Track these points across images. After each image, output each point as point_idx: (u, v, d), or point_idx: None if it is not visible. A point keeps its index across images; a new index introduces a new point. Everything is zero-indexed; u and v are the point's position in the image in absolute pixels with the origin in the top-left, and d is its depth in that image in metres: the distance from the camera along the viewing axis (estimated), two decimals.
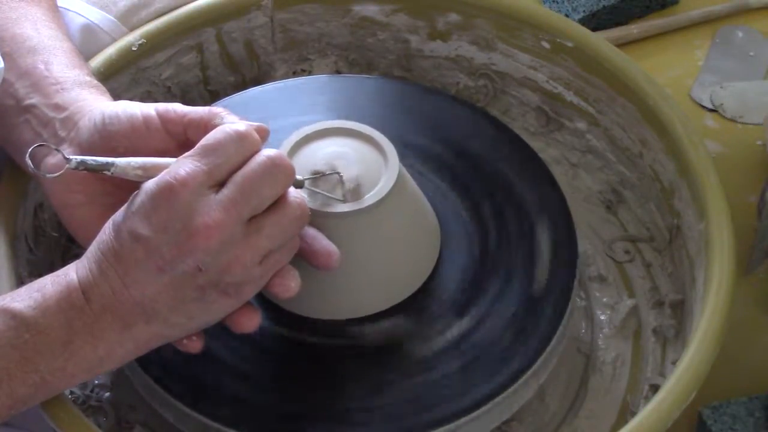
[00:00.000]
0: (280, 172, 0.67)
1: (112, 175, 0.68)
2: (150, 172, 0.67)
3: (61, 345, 0.65)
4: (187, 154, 0.66)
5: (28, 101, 0.76)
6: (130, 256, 0.65)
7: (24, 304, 0.66)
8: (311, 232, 0.72)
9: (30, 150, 0.68)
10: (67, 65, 0.78)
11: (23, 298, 0.66)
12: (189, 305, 0.66)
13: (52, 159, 0.72)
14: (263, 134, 0.69)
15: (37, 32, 0.80)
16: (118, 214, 0.67)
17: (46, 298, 0.66)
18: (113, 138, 0.72)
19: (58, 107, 0.75)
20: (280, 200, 0.67)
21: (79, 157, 0.68)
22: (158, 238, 0.65)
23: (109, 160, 0.68)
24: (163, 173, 0.66)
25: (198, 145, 0.67)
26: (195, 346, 0.70)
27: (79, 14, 0.92)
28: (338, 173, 0.74)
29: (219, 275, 0.66)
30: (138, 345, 0.67)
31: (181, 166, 0.65)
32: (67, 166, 0.67)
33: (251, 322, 0.70)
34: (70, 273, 0.67)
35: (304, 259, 0.71)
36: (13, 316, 0.65)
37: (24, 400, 0.66)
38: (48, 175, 0.68)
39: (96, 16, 0.92)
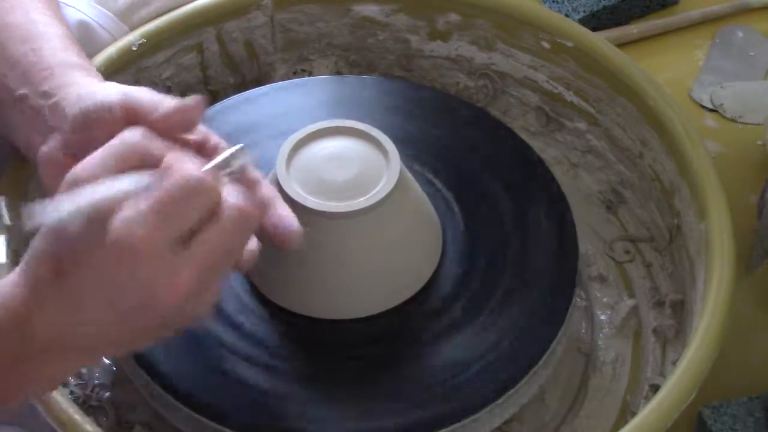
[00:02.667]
0: (251, 223, 0.64)
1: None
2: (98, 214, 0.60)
3: None
4: (145, 205, 0.59)
5: (19, 92, 0.75)
6: (85, 297, 0.61)
7: None
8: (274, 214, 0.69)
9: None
10: (58, 49, 0.77)
11: None
12: (136, 343, 0.64)
13: (46, 147, 0.72)
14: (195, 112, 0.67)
15: (29, 20, 0.78)
16: (62, 242, 0.61)
17: None
18: (92, 127, 0.70)
19: (46, 95, 0.74)
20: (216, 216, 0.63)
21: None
22: (119, 297, 0.61)
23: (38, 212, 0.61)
24: (117, 225, 0.59)
25: (157, 198, 0.60)
26: None
27: (77, 9, 0.91)
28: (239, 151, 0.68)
29: (176, 323, 0.63)
30: (76, 370, 0.67)
31: (140, 225, 0.59)
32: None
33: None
34: (8, 298, 0.62)
35: (267, 238, 0.70)
36: None
37: None
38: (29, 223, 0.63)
39: (93, 12, 0.91)
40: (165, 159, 0.62)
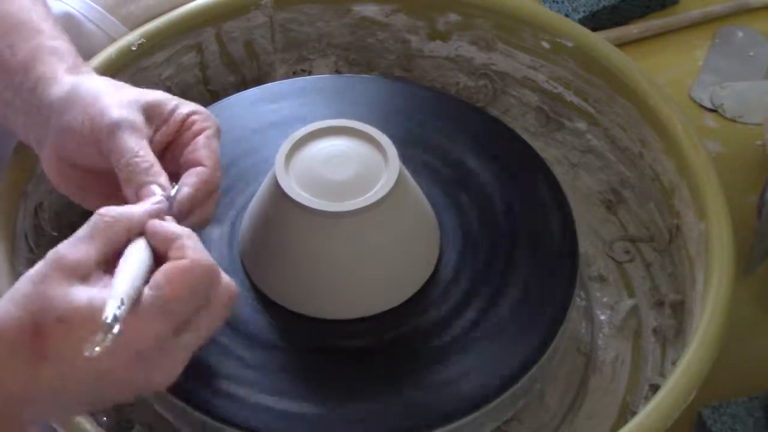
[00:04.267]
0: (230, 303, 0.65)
1: None
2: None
3: None
4: (150, 304, 0.60)
5: (6, 94, 0.75)
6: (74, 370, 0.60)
7: None
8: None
9: None
10: (27, 39, 0.76)
11: None
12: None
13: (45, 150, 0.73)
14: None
15: (7, 13, 0.78)
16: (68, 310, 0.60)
17: None
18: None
19: (29, 92, 0.74)
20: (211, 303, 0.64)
21: None
22: (111, 381, 0.62)
23: None
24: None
25: (163, 299, 0.61)
26: None
27: (64, 2, 0.90)
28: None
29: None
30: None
31: (147, 326, 0.60)
32: None
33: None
34: None
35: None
36: None
37: None
38: None
39: (79, 4, 0.91)
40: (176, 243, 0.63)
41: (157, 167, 0.68)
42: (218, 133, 0.73)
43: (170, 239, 0.63)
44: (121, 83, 0.75)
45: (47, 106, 0.73)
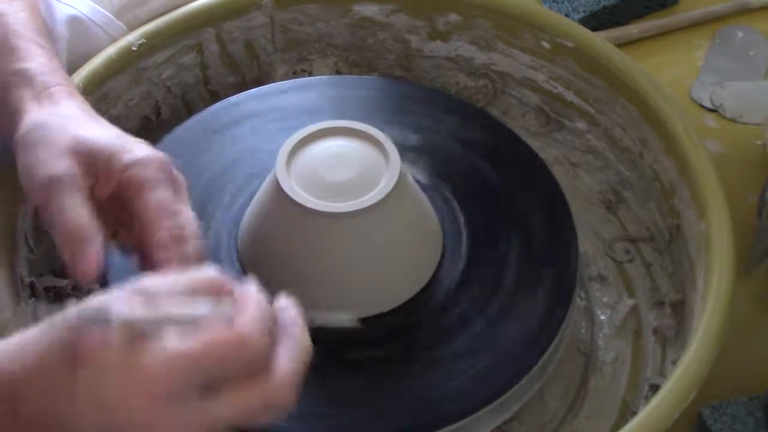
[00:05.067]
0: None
1: None
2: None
3: None
4: (183, 353, 0.54)
5: None
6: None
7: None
8: None
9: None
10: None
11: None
12: None
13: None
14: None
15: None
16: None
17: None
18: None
19: (8, 117, 0.72)
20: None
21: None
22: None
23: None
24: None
25: (200, 346, 0.54)
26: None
27: (70, 6, 0.90)
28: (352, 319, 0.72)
29: None
30: None
31: (178, 373, 0.54)
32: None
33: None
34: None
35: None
36: None
37: None
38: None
39: (86, 8, 0.91)
40: (237, 292, 0.58)
41: (90, 231, 0.65)
42: (165, 178, 0.68)
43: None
44: (79, 114, 0.72)
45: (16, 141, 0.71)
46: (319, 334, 0.76)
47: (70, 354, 0.54)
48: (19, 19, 0.77)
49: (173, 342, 0.54)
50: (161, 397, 0.54)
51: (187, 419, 0.55)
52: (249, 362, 0.56)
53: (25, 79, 0.73)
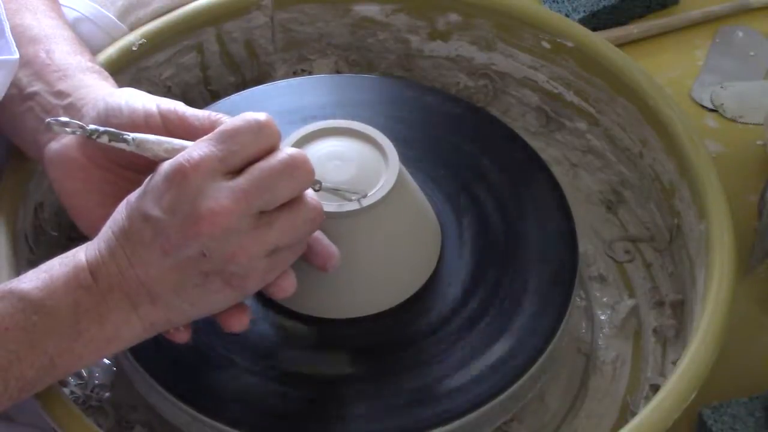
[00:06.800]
0: (299, 173, 0.66)
1: (128, 149, 0.67)
2: (170, 153, 0.67)
3: (68, 326, 0.65)
4: (204, 138, 0.66)
5: (30, 89, 0.76)
6: (138, 236, 0.65)
7: (31, 285, 0.65)
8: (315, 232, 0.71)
9: (48, 121, 0.67)
10: (69, 52, 0.78)
11: (30, 279, 0.66)
12: (191, 290, 0.66)
13: (56, 144, 0.72)
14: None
15: (37, 21, 0.79)
16: (133, 195, 0.66)
17: (53, 278, 0.66)
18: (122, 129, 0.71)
19: (61, 94, 0.75)
20: (297, 199, 0.67)
21: (101, 128, 0.67)
22: (166, 220, 0.64)
23: (128, 134, 0.67)
24: (177, 155, 0.65)
25: (216, 130, 0.66)
26: (182, 337, 0.69)
27: (73, 9, 0.91)
28: (358, 196, 0.74)
29: (223, 263, 0.65)
30: (144, 326, 0.67)
31: (196, 150, 0.65)
32: (81, 131, 0.66)
33: (241, 322, 0.70)
34: (79, 254, 0.67)
35: (304, 257, 0.71)
36: (21, 297, 0.65)
37: (33, 382, 0.66)
38: (67, 130, 0.67)
39: (89, 10, 0.91)
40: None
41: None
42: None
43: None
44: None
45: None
46: (319, 333, 0.76)
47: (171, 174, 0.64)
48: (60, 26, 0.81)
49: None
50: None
51: (250, 244, 0.65)
52: (300, 182, 0.67)
53: (91, 68, 0.78)
